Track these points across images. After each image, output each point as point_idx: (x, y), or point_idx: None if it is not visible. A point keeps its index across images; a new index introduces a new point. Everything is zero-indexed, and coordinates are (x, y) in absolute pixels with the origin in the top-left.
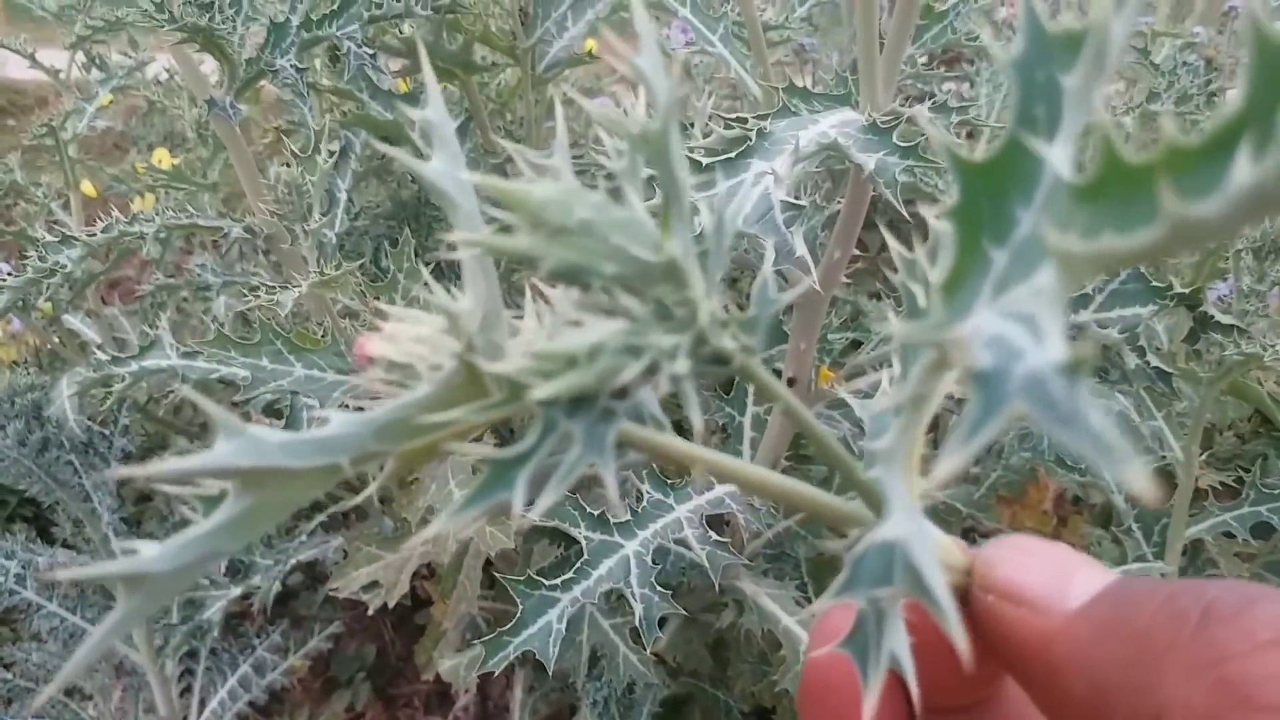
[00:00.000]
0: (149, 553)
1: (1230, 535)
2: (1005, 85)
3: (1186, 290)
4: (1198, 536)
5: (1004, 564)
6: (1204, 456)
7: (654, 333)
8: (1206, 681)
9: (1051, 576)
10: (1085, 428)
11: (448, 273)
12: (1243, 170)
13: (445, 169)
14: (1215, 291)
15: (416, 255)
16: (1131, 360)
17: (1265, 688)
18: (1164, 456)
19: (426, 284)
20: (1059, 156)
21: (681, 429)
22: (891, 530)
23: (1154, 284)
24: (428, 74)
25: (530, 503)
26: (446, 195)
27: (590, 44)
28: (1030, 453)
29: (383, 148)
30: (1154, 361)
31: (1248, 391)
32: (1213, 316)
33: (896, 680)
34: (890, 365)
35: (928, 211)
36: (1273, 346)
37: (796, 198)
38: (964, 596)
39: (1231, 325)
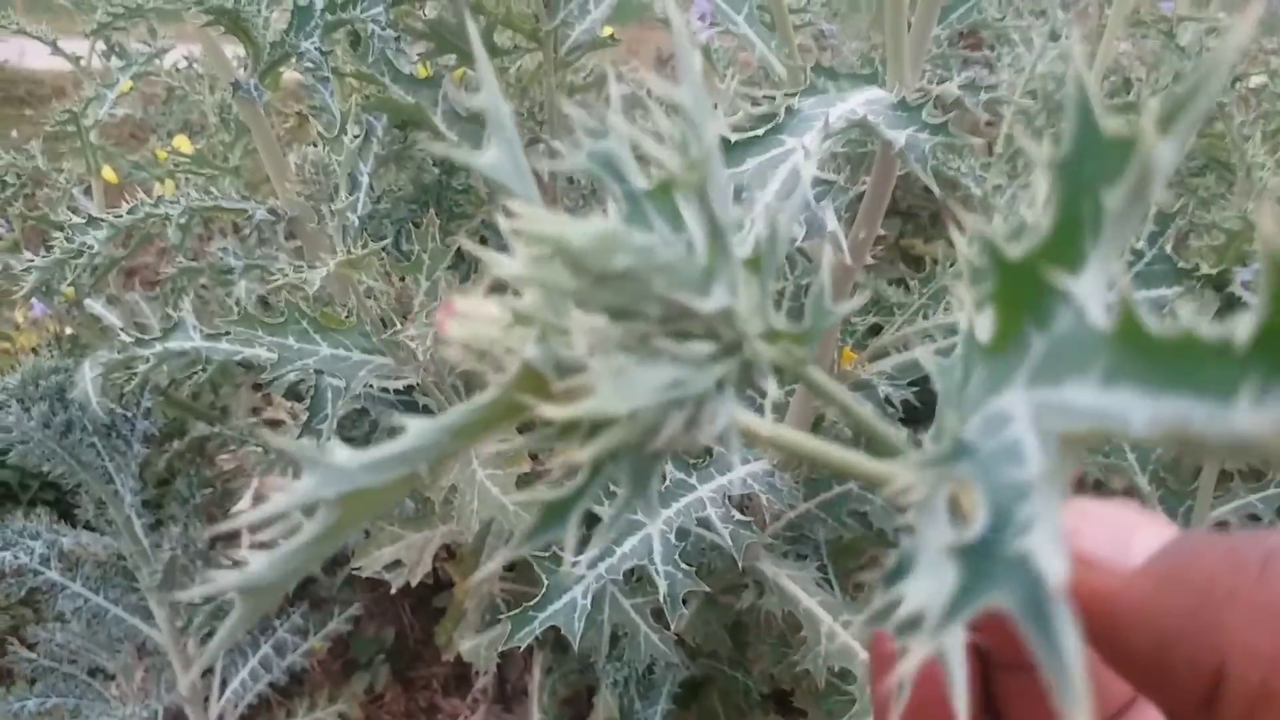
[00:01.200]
0: (258, 565)
1: (1256, 517)
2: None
3: (1214, 271)
4: (1223, 518)
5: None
6: None
7: (696, 376)
8: (1269, 626)
9: (1111, 536)
10: (1060, 664)
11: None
12: (1243, 415)
13: (504, 160)
14: (1241, 275)
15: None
16: None
17: None
18: None
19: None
20: (1087, 291)
21: None
22: (1037, 543)
23: (1180, 265)
24: (480, 57)
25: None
26: (504, 186)
27: (608, 29)
28: None
29: (441, 149)
30: None
31: None
32: (1240, 298)
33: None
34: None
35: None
36: None
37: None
38: None
39: None
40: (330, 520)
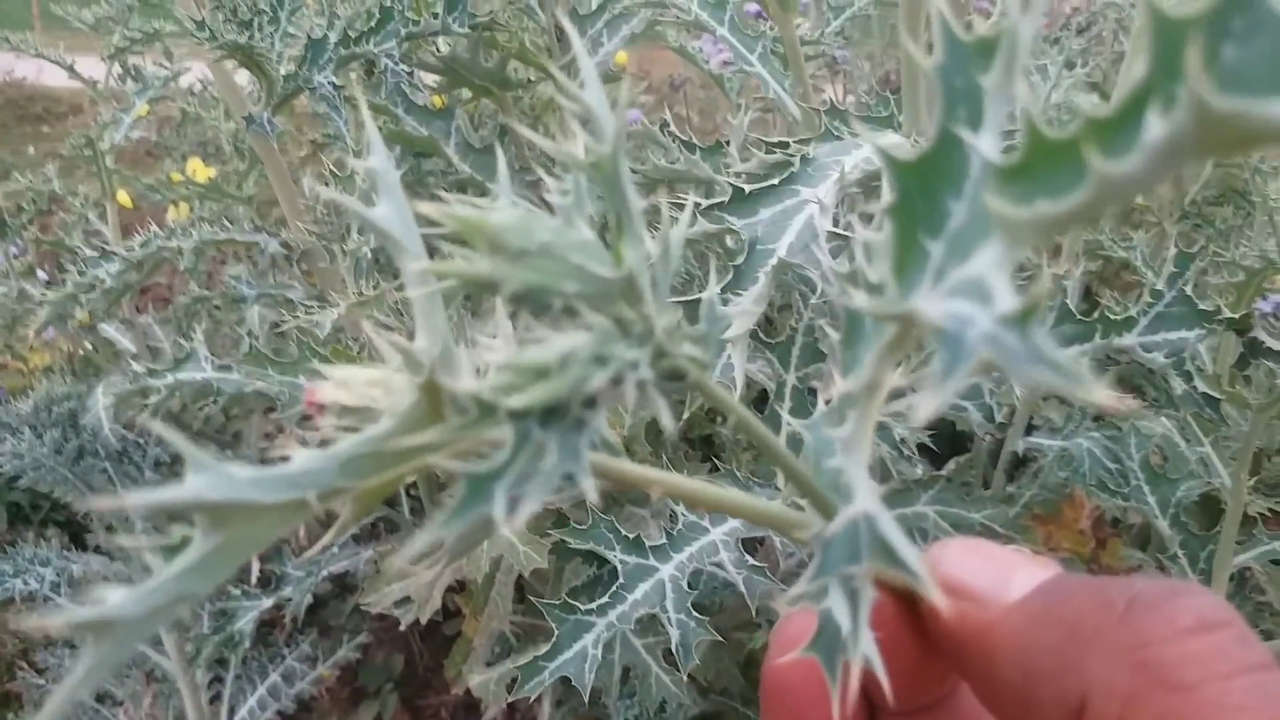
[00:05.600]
0: (115, 599)
1: (1279, 564)
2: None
3: (1235, 315)
4: (1245, 564)
5: (951, 561)
6: (1252, 482)
7: (617, 344)
8: (1128, 664)
9: (995, 572)
10: (1043, 361)
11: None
12: (1154, 127)
13: (391, 214)
14: (1260, 307)
15: None
16: (1178, 386)
17: (1182, 669)
18: (1210, 482)
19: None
20: (986, 143)
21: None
22: (861, 506)
23: (1201, 308)
24: (368, 122)
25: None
26: (393, 238)
27: (622, 58)
28: (1069, 474)
29: (332, 195)
30: (1202, 386)
31: None
32: (1263, 343)
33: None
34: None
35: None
36: None
37: (836, 220)
38: (912, 595)
39: None
40: (208, 546)
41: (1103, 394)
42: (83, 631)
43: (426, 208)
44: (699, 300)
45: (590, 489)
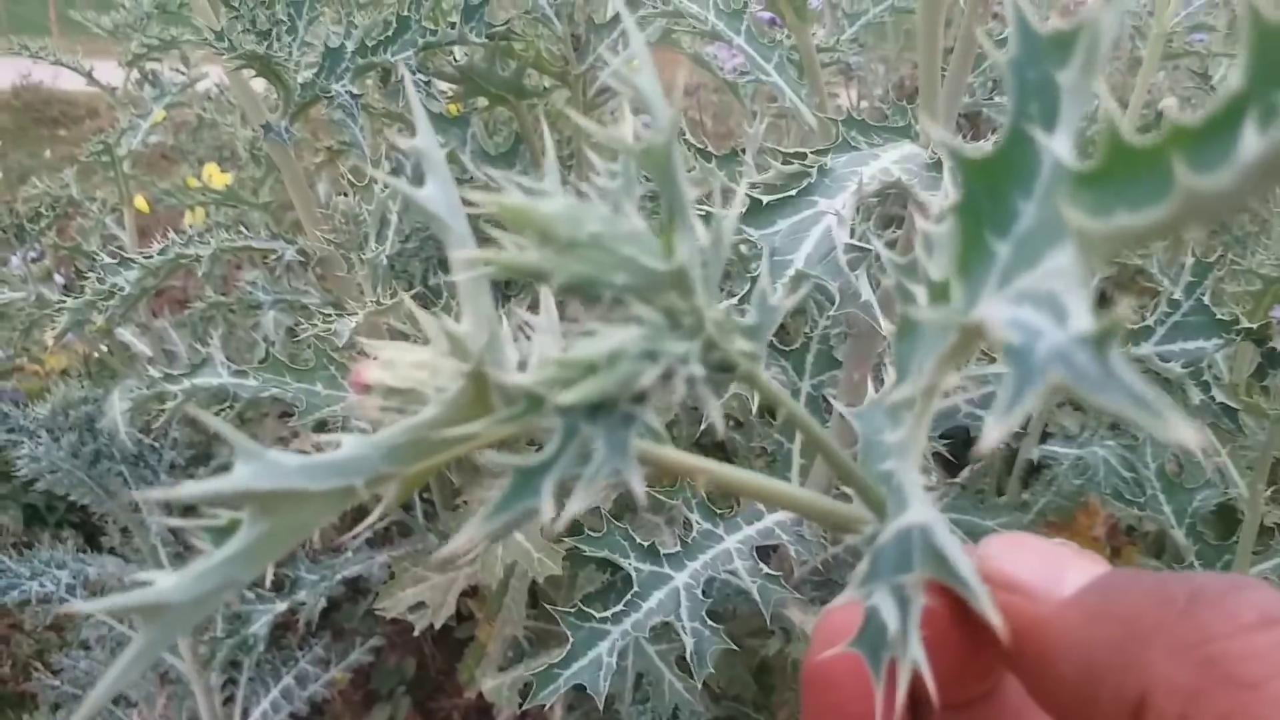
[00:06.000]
0: (166, 583)
1: None
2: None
3: (1254, 325)
4: (1263, 575)
5: (1002, 556)
6: (1270, 492)
7: (667, 339)
8: (1191, 661)
9: (1046, 567)
10: (1121, 389)
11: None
12: (1250, 142)
13: (438, 194)
14: (1276, 314)
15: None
16: (1196, 395)
17: (1247, 666)
18: (1227, 492)
19: (412, 314)
20: (1060, 145)
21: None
22: (915, 516)
23: (1219, 317)
24: (414, 104)
25: (558, 512)
26: (440, 219)
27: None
28: (1084, 482)
29: (381, 176)
30: (1219, 396)
31: None
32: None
33: (894, 676)
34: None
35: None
36: None
37: (851, 229)
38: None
39: None
40: (256, 533)
41: (1185, 430)
42: (134, 615)
43: (477, 195)
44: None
45: (638, 486)
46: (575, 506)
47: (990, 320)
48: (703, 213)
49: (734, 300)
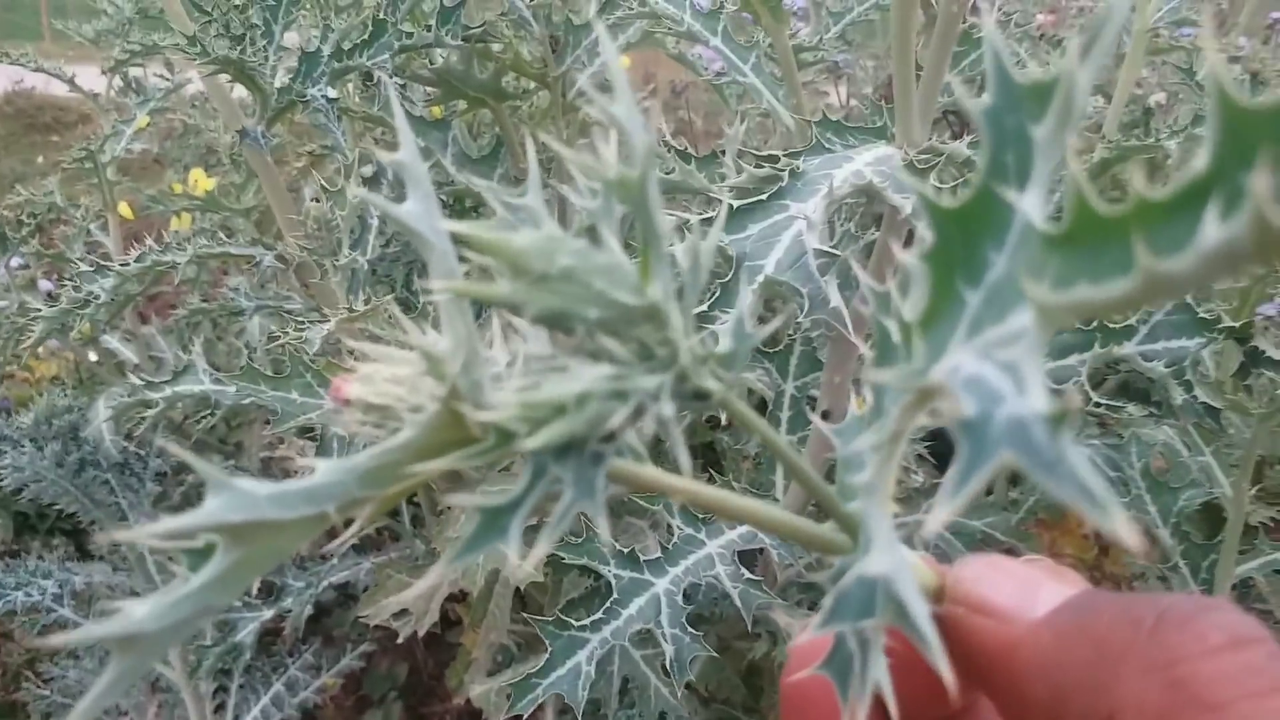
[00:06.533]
0: (138, 613)
1: None
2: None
3: (1236, 324)
4: (1248, 575)
5: (974, 579)
6: (1254, 491)
7: (638, 375)
8: (1159, 682)
9: (1019, 589)
10: (1070, 477)
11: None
12: (1211, 230)
13: (419, 210)
14: (1263, 311)
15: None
16: (1178, 395)
17: (1214, 688)
18: (1212, 491)
19: (398, 324)
20: (1030, 204)
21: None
22: (875, 565)
23: (1201, 316)
24: (397, 114)
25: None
26: (420, 236)
27: (624, 62)
28: None
29: (361, 193)
30: (1201, 396)
31: None
32: (1264, 352)
33: (872, 695)
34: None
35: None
36: None
37: (832, 227)
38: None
39: None
40: (229, 561)
41: (1125, 528)
42: (107, 645)
43: (453, 225)
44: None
45: (604, 530)
46: (542, 549)
47: (946, 387)
48: (682, 225)
49: (705, 306)
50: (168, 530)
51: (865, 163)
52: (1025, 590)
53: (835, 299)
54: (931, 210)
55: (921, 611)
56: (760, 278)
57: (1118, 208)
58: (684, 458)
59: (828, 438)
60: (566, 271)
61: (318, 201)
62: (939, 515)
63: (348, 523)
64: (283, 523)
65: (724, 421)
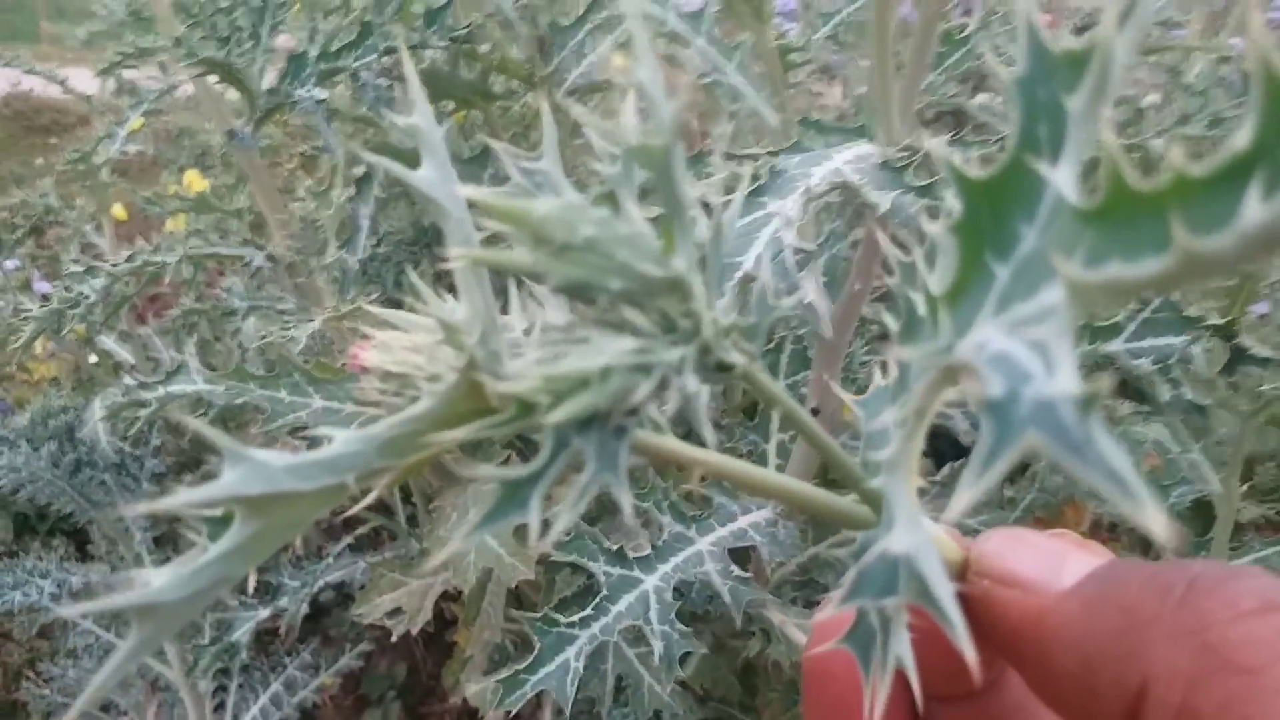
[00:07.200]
0: (159, 582)
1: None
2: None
3: (1221, 322)
4: None
5: (999, 551)
6: (1244, 489)
7: (661, 347)
8: (1189, 647)
9: (1045, 561)
10: (1099, 462)
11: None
12: (1254, 209)
13: (435, 176)
14: (1256, 310)
15: (437, 280)
16: (1165, 392)
17: (1246, 652)
18: (1202, 489)
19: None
20: (1063, 177)
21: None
22: (898, 543)
23: (1187, 314)
24: (411, 80)
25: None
26: (437, 203)
27: (620, 61)
28: (1064, 478)
29: (369, 156)
30: (1189, 394)
31: None
32: (1248, 350)
33: (895, 669)
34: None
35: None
36: None
37: (819, 225)
38: (959, 583)
39: (1268, 359)
40: (247, 532)
41: (1158, 520)
42: (128, 614)
43: (471, 192)
44: None
45: (627, 504)
46: (564, 521)
47: (972, 365)
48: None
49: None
50: (187, 502)
51: (844, 161)
52: (1051, 561)
53: (811, 294)
54: (960, 181)
55: (945, 592)
56: (738, 274)
57: (1154, 183)
58: (708, 431)
59: (792, 414)
60: (589, 241)
61: (302, 201)
62: (961, 499)
63: (347, 523)
64: (301, 494)
65: (715, 421)
